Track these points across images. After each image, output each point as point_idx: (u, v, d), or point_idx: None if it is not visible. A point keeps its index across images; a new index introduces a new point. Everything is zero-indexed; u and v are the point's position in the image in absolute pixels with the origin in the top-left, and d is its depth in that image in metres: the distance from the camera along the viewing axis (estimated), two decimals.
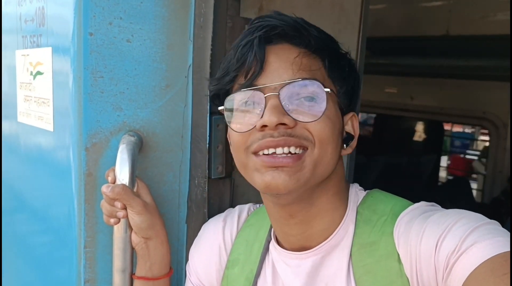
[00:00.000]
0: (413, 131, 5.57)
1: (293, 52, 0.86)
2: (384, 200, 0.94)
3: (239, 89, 0.86)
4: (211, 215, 1.17)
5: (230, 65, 0.87)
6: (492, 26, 3.34)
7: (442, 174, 6.65)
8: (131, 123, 1.07)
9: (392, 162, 4.72)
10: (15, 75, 1.36)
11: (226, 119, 0.88)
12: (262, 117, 0.82)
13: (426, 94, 4.19)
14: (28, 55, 1.26)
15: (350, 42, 0.94)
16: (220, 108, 0.90)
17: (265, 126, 0.82)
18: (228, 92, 0.91)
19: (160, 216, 1.06)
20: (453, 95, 3.92)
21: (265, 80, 0.84)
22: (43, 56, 1.17)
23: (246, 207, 1.12)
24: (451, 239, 0.74)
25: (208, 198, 1.16)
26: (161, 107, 1.10)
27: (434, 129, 5.59)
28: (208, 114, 1.13)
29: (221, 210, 1.19)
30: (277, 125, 0.81)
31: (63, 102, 1.09)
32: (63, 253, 1.16)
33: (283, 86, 0.83)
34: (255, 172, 0.85)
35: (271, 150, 0.83)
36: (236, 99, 0.87)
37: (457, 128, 8.94)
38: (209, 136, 1.14)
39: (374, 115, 5.70)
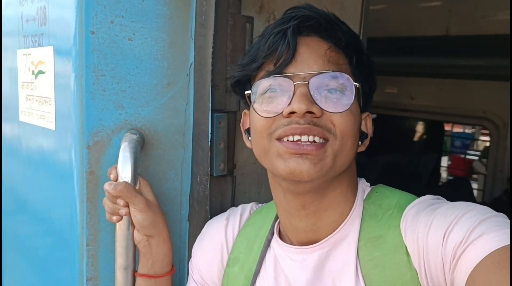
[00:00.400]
0: (413, 131, 5.58)
1: (323, 45, 0.87)
2: (389, 195, 0.94)
3: (267, 75, 0.87)
4: (213, 212, 1.18)
5: (260, 52, 0.88)
6: (492, 25, 3.35)
7: (443, 174, 6.65)
8: (132, 121, 1.07)
9: (392, 162, 4.71)
10: (16, 75, 1.36)
11: (252, 104, 0.89)
12: (290, 104, 0.83)
13: (426, 94, 4.19)
14: (29, 54, 1.26)
15: None
16: (247, 92, 0.90)
17: (292, 113, 0.83)
18: (250, 79, 0.92)
19: (162, 214, 1.07)
20: (453, 95, 3.92)
21: (294, 69, 0.85)
22: (45, 55, 1.17)
23: (248, 206, 1.12)
24: (458, 231, 0.74)
25: (210, 195, 1.17)
26: (162, 105, 1.10)
27: (434, 129, 5.59)
28: (209, 112, 1.13)
29: (223, 208, 1.20)
30: (305, 113, 0.82)
31: (65, 101, 1.09)
32: (65, 251, 1.17)
33: (313, 76, 0.84)
34: (278, 158, 0.85)
35: (296, 137, 0.83)
36: (264, 85, 0.87)
37: (458, 129, 8.94)
38: (211, 133, 1.14)
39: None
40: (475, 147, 9.06)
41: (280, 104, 0.85)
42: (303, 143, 0.83)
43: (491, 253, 0.68)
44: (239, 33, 1.16)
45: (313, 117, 0.83)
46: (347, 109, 0.85)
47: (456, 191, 4.49)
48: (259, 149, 0.91)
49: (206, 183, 1.15)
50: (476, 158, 7.94)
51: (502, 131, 3.78)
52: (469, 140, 9.44)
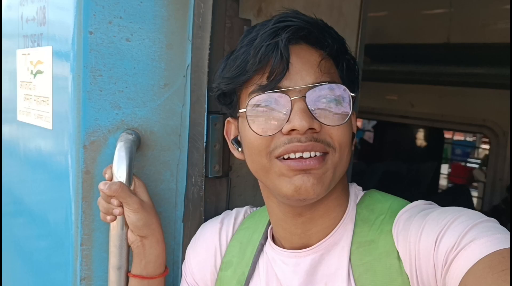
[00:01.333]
0: (413, 138, 5.58)
1: (314, 54, 0.85)
2: (382, 199, 0.94)
3: (260, 90, 0.84)
4: (207, 214, 1.18)
5: (250, 65, 0.84)
6: (493, 34, 3.36)
7: (443, 182, 6.64)
8: (129, 122, 1.08)
9: (392, 170, 4.71)
10: (15, 74, 1.37)
11: (248, 121, 0.85)
12: (289, 121, 0.81)
13: (426, 102, 4.20)
14: (29, 54, 1.27)
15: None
16: (241, 111, 0.87)
17: (293, 130, 0.81)
18: (236, 91, 0.90)
19: (157, 215, 1.07)
20: (453, 102, 3.92)
21: (289, 82, 0.83)
22: (44, 55, 1.18)
23: (243, 210, 1.12)
24: (450, 236, 0.74)
25: (204, 197, 1.17)
26: (159, 106, 1.10)
27: (434, 136, 5.60)
28: (205, 113, 1.14)
29: (217, 209, 1.20)
30: (306, 130, 0.81)
31: (63, 101, 1.10)
32: (59, 250, 1.17)
33: (309, 89, 0.82)
34: (281, 177, 0.84)
35: (298, 154, 0.82)
36: (258, 101, 0.85)
37: (459, 136, 8.93)
38: (207, 135, 1.15)
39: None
40: (475, 155, 9.05)
41: (278, 121, 0.83)
42: (305, 159, 0.82)
43: (482, 258, 0.68)
44: (237, 35, 1.16)
45: (313, 132, 0.82)
46: (345, 122, 0.84)
47: (455, 198, 4.50)
48: (257, 167, 0.89)
49: (201, 184, 1.15)
50: (476, 166, 7.95)
51: (501, 140, 3.78)
52: (469, 148, 9.43)
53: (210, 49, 1.12)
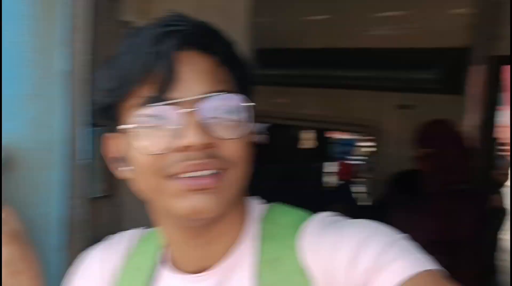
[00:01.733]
0: (299, 139, 5.82)
1: (204, 61, 0.78)
2: (285, 213, 0.90)
3: (145, 103, 0.75)
4: (91, 240, 1.06)
5: (131, 76, 0.75)
6: (370, 40, 3.65)
7: (330, 179, 6.99)
8: None
9: (278, 170, 4.85)
10: None
11: (133, 138, 0.76)
12: (180, 136, 0.73)
13: (314, 104, 4.38)
14: None
15: None
16: (122, 127, 0.78)
17: (186, 146, 0.73)
18: (117, 105, 0.80)
19: (32, 246, 0.95)
20: (338, 104, 4.15)
21: (177, 93, 0.74)
22: None
23: (130, 233, 1.01)
24: (368, 254, 0.72)
25: (87, 221, 1.07)
26: (29, 120, 1.00)
27: (320, 137, 5.92)
28: (85, 127, 1.04)
29: (103, 234, 1.09)
30: (200, 145, 0.73)
31: None
32: None
33: (200, 100, 0.75)
34: (176, 197, 0.76)
35: (193, 173, 0.74)
36: (143, 115, 0.75)
37: (341, 135, 9.51)
38: (87, 151, 1.05)
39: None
40: (358, 153, 9.77)
41: (168, 137, 0.75)
42: (203, 177, 0.75)
43: (406, 279, 0.68)
44: (118, 39, 1.08)
45: (208, 148, 0.75)
46: (243, 134, 0.78)
47: (338, 195, 4.82)
48: (147, 187, 0.80)
49: (82, 206, 1.05)
50: (359, 162, 8.59)
51: (379, 138, 4.07)
52: (352, 146, 10.15)
53: (87, 54, 1.02)
